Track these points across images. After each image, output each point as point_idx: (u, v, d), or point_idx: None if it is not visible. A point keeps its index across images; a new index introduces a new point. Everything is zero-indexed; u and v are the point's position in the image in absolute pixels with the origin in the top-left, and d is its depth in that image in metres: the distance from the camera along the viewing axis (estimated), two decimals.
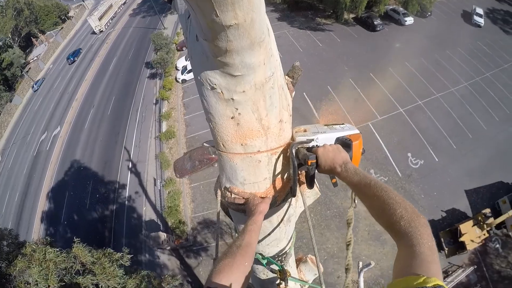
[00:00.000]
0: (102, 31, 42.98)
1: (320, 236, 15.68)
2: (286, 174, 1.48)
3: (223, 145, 1.29)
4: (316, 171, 1.38)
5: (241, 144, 1.26)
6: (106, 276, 7.58)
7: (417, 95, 21.37)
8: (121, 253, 8.35)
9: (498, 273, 14.61)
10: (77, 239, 8.32)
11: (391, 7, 28.75)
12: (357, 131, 1.51)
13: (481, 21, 26.79)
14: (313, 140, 1.40)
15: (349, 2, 25.93)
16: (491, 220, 14.46)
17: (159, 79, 28.53)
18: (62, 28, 49.86)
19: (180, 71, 27.06)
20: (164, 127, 23.27)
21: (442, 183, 17.16)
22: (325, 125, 1.55)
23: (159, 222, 18.86)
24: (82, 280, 7.57)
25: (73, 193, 22.37)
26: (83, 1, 54.69)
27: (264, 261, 1.77)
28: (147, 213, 19.53)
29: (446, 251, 14.86)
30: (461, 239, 14.32)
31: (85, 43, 42.42)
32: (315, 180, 1.47)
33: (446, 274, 14.22)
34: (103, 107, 28.37)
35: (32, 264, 7.58)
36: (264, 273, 2.02)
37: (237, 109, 1.14)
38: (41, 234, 20.24)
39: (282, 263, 1.85)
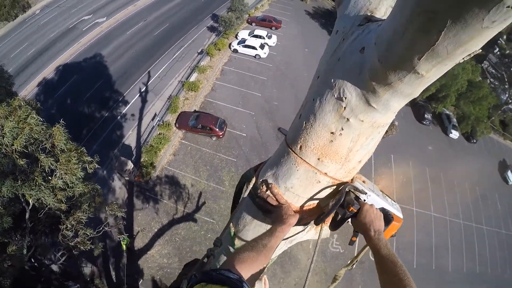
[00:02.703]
0: None
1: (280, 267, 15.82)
2: (323, 205, 1.49)
3: (300, 147, 1.28)
4: (349, 220, 1.41)
5: (318, 158, 1.25)
6: (66, 169, 7.49)
7: (416, 201, 21.19)
8: (92, 159, 8.25)
9: None
10: (62, 122, 8.25)
11: (447, 112, 28.26)
12: (401, 216, 1.55)
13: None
14: (366, 194, 1.42)
15: None
16: None
17: (215, 35, 28.46)
18: None
19: (237, 41, 26.98)
20: (193, 78, 23.21)
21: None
22: (381, 190, 1.57)
23: (134, 153, 18.81)
24: (43, 159, 7.48)
25: (80, 79, 22.31)
26: None
27: None
28: (129, 138, 19.48)
29: None
30: None
31: None
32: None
33: None
34: (153, 26, 28.28)
35: (11, 117, 7.49)
36: None
37: (342, 129, 1.14)
38: (31, 96, 20.20)
39: None
